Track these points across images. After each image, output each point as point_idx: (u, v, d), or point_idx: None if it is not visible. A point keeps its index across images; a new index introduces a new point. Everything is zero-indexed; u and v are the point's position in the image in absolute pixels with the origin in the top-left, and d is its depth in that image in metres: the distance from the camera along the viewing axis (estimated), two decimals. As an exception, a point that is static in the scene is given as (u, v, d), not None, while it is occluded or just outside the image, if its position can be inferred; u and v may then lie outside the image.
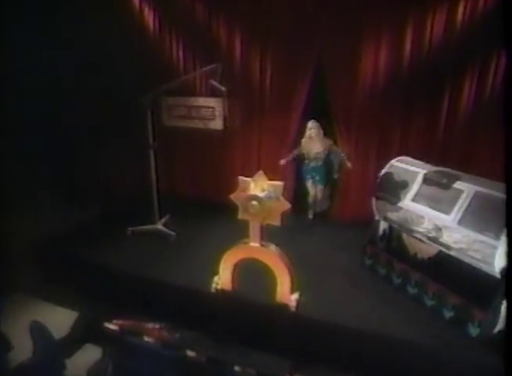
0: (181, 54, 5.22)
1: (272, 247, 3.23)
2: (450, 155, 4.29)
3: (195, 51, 5.12)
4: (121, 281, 3.86)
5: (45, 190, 4.63)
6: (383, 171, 3.69)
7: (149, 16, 5.13)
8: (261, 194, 3.01)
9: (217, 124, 5.39)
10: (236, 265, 3.33)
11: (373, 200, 3.74)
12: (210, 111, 5.38)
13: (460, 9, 4.06)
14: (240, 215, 3.18)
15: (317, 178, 4.84)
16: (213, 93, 5.22)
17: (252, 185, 3.06)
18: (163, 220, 4.69)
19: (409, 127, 4.47)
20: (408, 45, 4.30)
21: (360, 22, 4.35)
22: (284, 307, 3.25)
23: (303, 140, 4.69)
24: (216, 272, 3.44)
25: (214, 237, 4.40)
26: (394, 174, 3.58)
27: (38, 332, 2.63)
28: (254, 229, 3.16)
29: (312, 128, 4.60)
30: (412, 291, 3.45)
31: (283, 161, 4.69)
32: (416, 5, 4.17)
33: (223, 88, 4.07)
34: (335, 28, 4.46)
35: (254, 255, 3.23)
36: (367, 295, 3.51)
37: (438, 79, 4.25)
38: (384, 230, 3.85)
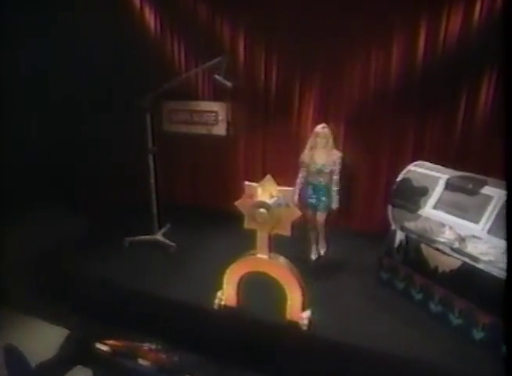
0: (182, 55, 5.01)
1: (282, 259, 2.94)
2: (468, 160, 4.01)
3: (197, 52, 4.91)
4: (115, 296, 3.57)
5: (37, 199, 4.37)
6: (399, 177, 3.43)
7: (149, 15, 4.93)
8: (269, 201, 2.74)
9: (220, 130, 5.15)
10: (241, 280, 3.04)
11: (389, 208, 3.47)
12: (213, 116, 5.14)
13: (477, 7, 3.84)
14: (246, 224, 2.91)
15: (319, 202, 3.67)
16: (216, 97, 5.05)
17: (259, 190, 2.79)
18: (163, 230, 4.44)
19: (424, 130, 4.22)
20: (421, 45, 4.07)
21: (372, 20, 4.13)
22: (295, 326, 2.95)
23: (305, 151, 3.71)
24: (219, 287, 3.15)
25: (217, 249, 4.13)
26: (413, 179, 3.31)
27: (12, 357, 2.34)
28: (262, 239, 2.87)
29: (321, 135, 3.58)
30: (435, 308, 3.14)
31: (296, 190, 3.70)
32: (431, 3, 3.96)
33: (229, 84, 3.82)
34: (345, 28, 4.25)
35: (262, 268, 2.94)
36: (385, 313, 3.21)
37: (453, 79, 4.01)
38: (401, 241, 3.56)
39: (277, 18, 4.49)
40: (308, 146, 3.70)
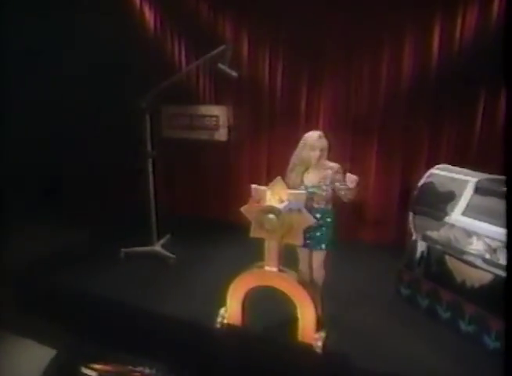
0: (183, 56, 4.78)
1: (293, 272, 2.61)
2: (490, 163, 3.70)
3: (198, 52, 4.66)
4: (107, 313, 3.24)
5: (25, 209, 4.08)
6: (421, 182, 3.12)
7: (148, 12, 4.73)
8: (279, 206, 2.43)
9: (221, 135, 4.91)
10: (247, 295, 2.70)
11: (410, 216, 3.14)
12: (214, 120, 4.90)
13: (495, 5, 3.59)
14: (253, 233, 2.59)
15: (313, 238, 2.70)
16: (217, 100, 4.80)
17: (268, 194, 2.48)
18: (162, 241, 4.15)
19: (440, 134, 3.93)
20: (435, 45, 3.83)
21: (383, 21, 3.90)
22: (307, 348, 2.60)
23: (291, 164, 2.76)
24: (223, 304, 2.81)
25: (221, 261, 3.83)
26: (437, 184, 3.00)
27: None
28: (271, 249, 2.55)
29: (317, 146, 2.62)
30: (466, 327, 2.78)
31: None
32: (445, 4, 3.73)
33: (234, 73, 3.55)
34: (355, 29, 4.01)
35: (270, 283, 2.61)
36: (409, 334, 2.86)
37: (470, 80, 3.74)
38: (422, 252, 3.24)
39: (282, 18, 4.28)
40: (295, 162, 2.72)
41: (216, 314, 2.83)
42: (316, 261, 2.79)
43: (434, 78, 3.86)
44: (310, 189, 2.64)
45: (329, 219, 2.72)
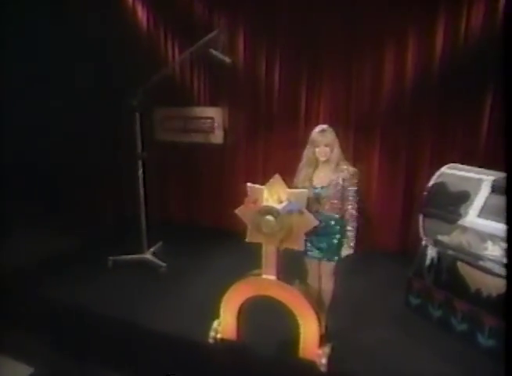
0: (176, 54, 4.57)
1: (295, 281, 2.36)
2: (500, 163, 3.48)
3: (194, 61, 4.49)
4: (91, 327, 2.97)
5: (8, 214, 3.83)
6: (431, 182, 2.89)
7: (140, 9, 4.54)
8: (278, 206, 2.19)
9: (216, 138, 4.68)
10: (242, 307, 2.45)
11: (420, 219, 2.91)
12: (209, 122, 4.67)
13: (500, 5, 3.42)
14: (249, 237, 2.35)
15: (321, 248, 2.47)
16: (212, 101, 4.59)
17: (266, 194, 2.25)
18: (152, 249, 3.90)
19: (445, 133, 3.71)
20: (439, 41, 3.63)
21: (385, 17, 3.71)
22: (310, 365, 2.34)
23: (300, 167, 2.54)
24: (216, 316, 2.55)
25: (215, 270, 3.59)
26: (448, 184, 2.77)
27: None
28: (269, 255, 2.31)
29: (321, 141, 2.38)
30: (485, 341, 2.53)
31: None
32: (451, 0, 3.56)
33: (227, 59, 3.34)
34: (355, 27, 3.82)
35: (268, 292, 2.35)
36: (419, 347, 2.61)
37: (476, 77, 3.54)
38: (433, 259, 3.00)
39: (279, 16, 4.09)
40: (303, 161, 2.51)
41: (208, 328, 2.57)
42: (325, 272, 2.55)
43: (439, 76, 3.67)
44: (316, 190, 2.38)
45: (336, 227, 2.44)
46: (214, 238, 4.33)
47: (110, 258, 3.73)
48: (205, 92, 4.62)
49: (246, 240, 2.36)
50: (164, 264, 3.65)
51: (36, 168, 4.22)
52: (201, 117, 4.68)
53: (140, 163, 3.61)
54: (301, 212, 2.20)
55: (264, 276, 2.34)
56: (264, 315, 2.58)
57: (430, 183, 2.88)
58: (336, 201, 2.39)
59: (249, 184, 2.33)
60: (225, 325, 2.50)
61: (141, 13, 4.53)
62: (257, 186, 2.31)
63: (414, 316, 2.93)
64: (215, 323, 2.57)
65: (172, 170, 4.94)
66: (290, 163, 3.75)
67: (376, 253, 3.95)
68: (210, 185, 4.77)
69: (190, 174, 4.86)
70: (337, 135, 2.47)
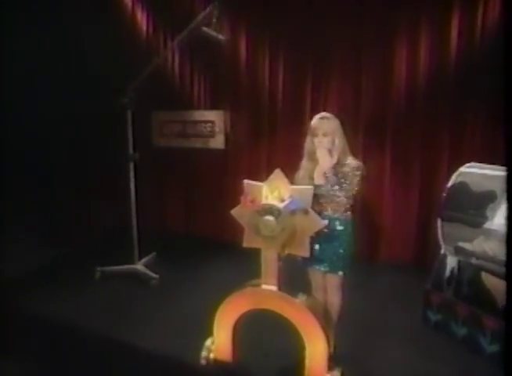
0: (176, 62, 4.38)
1: (300, 293, 2.05)
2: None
3: (192, 55, 4.29)
4: (74, 345, 2.66)
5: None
6: (450, 182, 2.59)
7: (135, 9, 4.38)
8: (280, 205, 1.90)
9: (217, 143, 4.42)
10: (238, 323, 2.13)
11: (438, 224, 2.60)
12: (209, 126, 4.43)
13: None
14: (246, 242, 2.06)
15: (325, 257, 2.16)
16: (212, 104, 4.37)
17: (265, 191, 1.97)
18: (145, 259, 3.60)
19: (463, 133, 3.44)
20: (454, 36, 3.39)
21: (396, 12, 3.49)
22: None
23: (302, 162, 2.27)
24: (209, 334, 2.23)
25: (210, 284, 3.28)
26: (470, 183, 2.48)
27: None
28: (269, 262, 2.01)
29: (320, 130, 2.10)
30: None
31: None
32: None
33: (221, 37, 3.09)
34: (362, 25, 3.60)
35: (268, 305, 2.04)
36: (442, 372, 2.26)
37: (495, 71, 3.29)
38: (453, 269, 2.68)
39: (283, 16, 3.89)
40: (305, 155, 2.23)
41: (200, 347, 2.25)
42: (330, 284, 2.24)
43: (455, 73, 3.42)
44: (317, 188, 2.06)
45: (343, 232, 2.14)
46: (213, 249, 4.03)
47: (98, 268, 3.44)
48: (205, 94, 4.39)
49: (243, 244, 2.07)
50: (155, 276, 3.35)
51: (20, 176, 3.98)
52: (201, 121, 4.44)
53: (131, 165, 3.35)
54: (305, 212, 1.91)
55: (263, 287, 2.04)
56: (263, 332, 2.34)
57: (449, 184, 2.59)
58: (340, 200, 2.10)
59: (246, 181, 2.06)
60: (218, 344, 2.17)
61: (134, 10, 4.37)
62: (255, 182, 2.04)
63: (434, 335, 2.59)
64: (208, 342, 2.24)
65: (170, 177, 4.67)
66: (294, 168, 3.48)
67: (389, 265, 3.64)
68: (211, 193, 4.49)
69: (189, 181, 4.59)
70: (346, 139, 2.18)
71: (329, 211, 2.12)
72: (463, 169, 2.60)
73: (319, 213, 2.05)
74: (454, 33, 3.38)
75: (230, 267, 3.48)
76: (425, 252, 3.47)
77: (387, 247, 3.78)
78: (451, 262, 2.67)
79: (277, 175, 1.97)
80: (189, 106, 4.45)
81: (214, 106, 4.35)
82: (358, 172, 2.08)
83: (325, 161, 2.05)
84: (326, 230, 2.06)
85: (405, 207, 3.68)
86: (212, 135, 4.43)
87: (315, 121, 2.14)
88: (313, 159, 2.15)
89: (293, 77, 3.95)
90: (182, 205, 4.68)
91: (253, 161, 4.23)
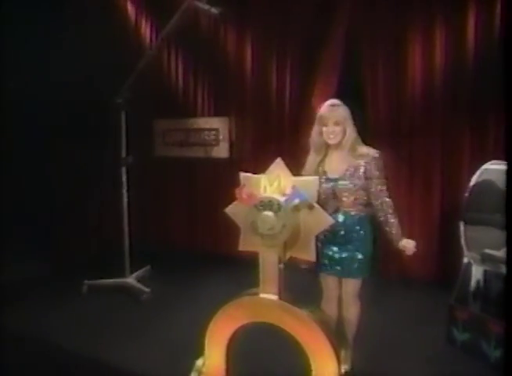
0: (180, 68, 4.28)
1: (305, 305, 1.76)
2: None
3: (196, 64, 4.18)
4: (57, 365, 2.39)
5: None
6: (473, 181, 2.34)
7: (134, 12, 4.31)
8: (280, 198, 1.64)
9: (221, 151, 4.23)
10: (233, 339, 1.83)
11: (461, 228, 2.32)
12: (213, 134, 4.26)
13: None
14: (242, 244, 1.79)
15: (341, 260, 1.94)
16: (216, 111, 4.21)
17: (264, 183, 1.72)
18: (137, 273, 3.37)
19: (485, 135, 3.21)
20: (470, 33, 3.22)
21: (410, 9, 3.35)
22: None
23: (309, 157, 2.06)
24: (200, 353, 1.93)
25: (205, 299, 2.97)
26: (496, 181, 2.22)
27: None
28: (268, 267, 1.72)
29: (330, 118, 1.89)
30: None
31: None
32: None
33: (214, 10, 2.92)
34: (371, 27, 3.47)
35: (268, 317, 1.75)
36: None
37: None
38: (478, 280, 2.38)
39: (290, 21, 3.77)
40: (312, 150, 2.02)
41: (190, 367, 1.95)
42: (347, 293, 1.98)
43: (472, 74, 3.23)
44: (331, 183, 1.88)
45: (362, 232, 1.92)
46: (212, 264, 3.79)
47: (86, 282, 3.21)
48: (209, 101, 4.25)
49: (239, 248, 1.81)
50: (147, 290, 3.10)
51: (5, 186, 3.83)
52: (205, 129, 4.27)
53: (124, 170, 3.15)
54: (310, 206, 1.65)
55: (261, 296, 1.75)
56: (262, 350, 2.18)
57: (472, 183, 2.33)
58: (359, 195, 1.89)
59: (242, 173, 1.82)
60: (210, 364, 1.87)
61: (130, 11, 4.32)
62: (253, 175, 1.80)
63: (461, 356, 2.26)
64: (199, 362, 1.94)
65: (171, 188, 4.45)
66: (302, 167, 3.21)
67: (407, 279, 3.34)
68: (214, 204, 4.23)
69: (190, 192, 4.39)
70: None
71: (345, 208, 1.90)
72: (486, 166, 2.35)
73: (337, 210, 1.86)
74: (471, 33, 3.22)
75: (228, 282, 3.20)
76: (448, 263, 3.16)
77: (407, 260, 3.47)
78: (476, 271, 2.38)
79: (278, 165, 1.72)
80: (191, 114, 4.32)
81: (218, 113, 4.21)
82: (380, 160, 1.89)
83: (337, 154, 1.91)
84: (341, 231, 1.87)
85: (423, 216, 3.41)
86: (216, 143, 4.25)
87: (325, 108, 1.95)
88: (321, 151, 1.97)
89: (300, 83, 3.80)
90: (185, 217, 4.45)
91: (258, 171, 4.00)
